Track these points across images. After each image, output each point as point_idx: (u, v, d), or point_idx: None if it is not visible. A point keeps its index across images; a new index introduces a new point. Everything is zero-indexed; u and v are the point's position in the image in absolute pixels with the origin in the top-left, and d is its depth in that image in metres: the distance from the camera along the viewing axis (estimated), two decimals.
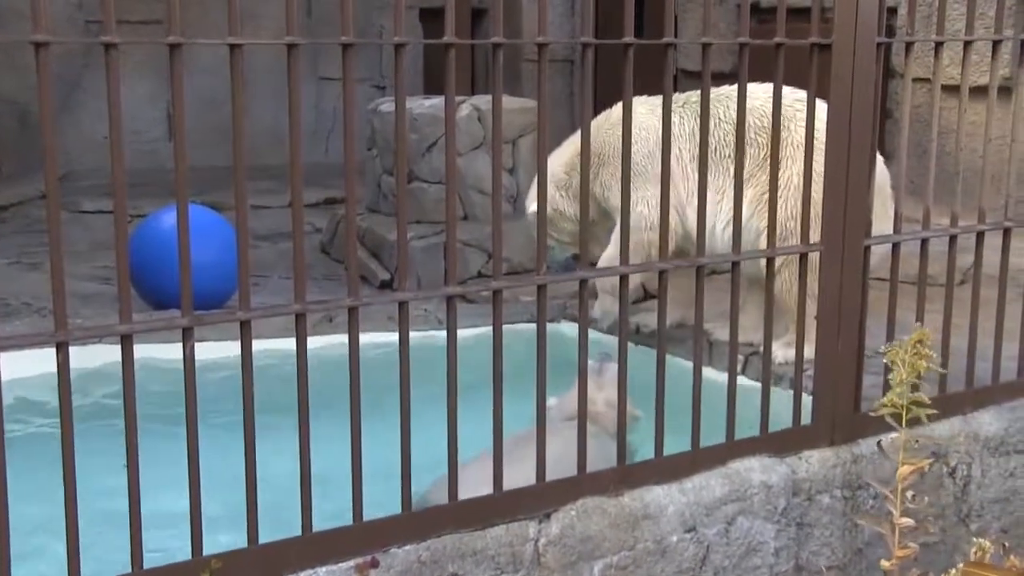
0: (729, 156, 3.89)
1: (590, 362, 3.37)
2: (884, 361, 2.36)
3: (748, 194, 3.90)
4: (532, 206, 4.30)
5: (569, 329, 4.42)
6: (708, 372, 3.87)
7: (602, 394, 3.27)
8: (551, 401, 3.13)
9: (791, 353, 3.62)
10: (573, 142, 4.46)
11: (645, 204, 4.15)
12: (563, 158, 4.39)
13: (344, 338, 2.31)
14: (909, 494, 2.39)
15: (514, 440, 2.75)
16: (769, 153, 2.81)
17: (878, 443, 2.92)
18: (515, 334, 4.27)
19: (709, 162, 4.01)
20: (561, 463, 2.56)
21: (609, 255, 4.17)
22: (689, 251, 3.77)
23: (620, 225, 2.63)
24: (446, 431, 2.44)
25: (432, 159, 6.02)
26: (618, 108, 4.18)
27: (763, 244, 3.39)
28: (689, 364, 2.86)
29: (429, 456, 2.47)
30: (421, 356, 4.03)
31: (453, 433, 2.44)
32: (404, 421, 2.38)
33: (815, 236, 3.07)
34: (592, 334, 3.44)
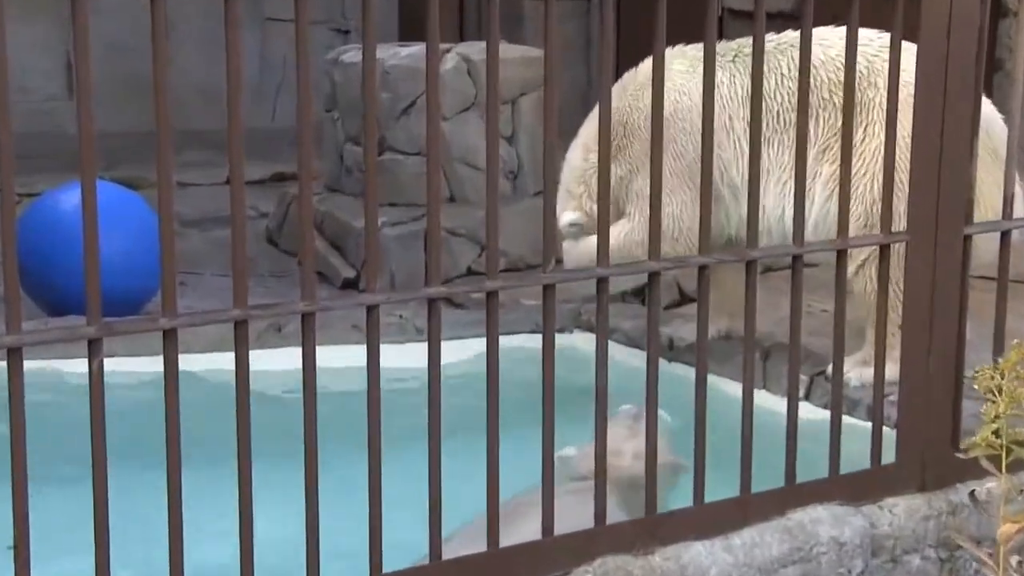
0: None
1: (626, 407, 3.39)
2: (974, 387, 2.33)
3: (824, 172, 3.88)
4: (569, 215, 4.26)
5: (585, 342, 4.44)
6: (762, 397, 3.91)
7: (633, 443, 3.21)
8: (568, 451, 3.14)
9: (869, 373, 3.60)
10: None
11: (681, 204, 4.05)
12: (589, 140, 4.21)
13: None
14: (1014, 560, 2.36)
15: (514, 507, 2.76)
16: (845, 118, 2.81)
17: (971, 493, 2.92)
18: (516, 349, 4.33)
19: (772, 131, 4.00)
20: None
21: (619, 243, 3.96)
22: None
23: (649, 210, 2.64)
24: (427, 486, 2.45)
25: (409, 124, 6.02)
26: (647, 65, 3.99)
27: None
28: (736, 387, 2.88)
29: (405, 521, 2.48)
30: (396, 376, 4.06)
31: (435, 488, 2.45)
32: (373, 474, 2.39)
33: (900, 223, 3.08)
34: (614, 349, 3.46)
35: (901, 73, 2.82)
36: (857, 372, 3.84)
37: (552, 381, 2.56)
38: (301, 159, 2.30)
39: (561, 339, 4.64)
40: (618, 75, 4.27)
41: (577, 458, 3.18)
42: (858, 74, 3.15)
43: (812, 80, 3.72)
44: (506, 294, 5.35)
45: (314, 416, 2.34)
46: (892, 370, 3.07)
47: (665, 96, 2.61)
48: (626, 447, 3.15)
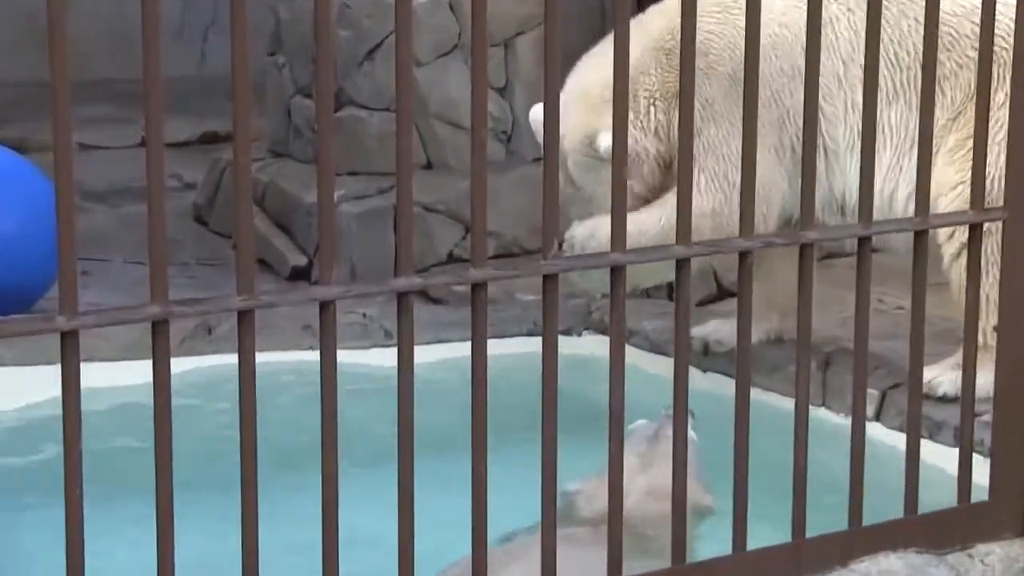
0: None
1: (642, 421, 3.36)
2: None
3: (950, 141, 3.87)
4: (607, 137, 3.95)
5: (597, 347, 4.44)
6: (820, 416, 3.94)
7: (644, 477, 3.19)
8: (572, 485, 3.12)
9: (959, 383, 3.60)
10: (645, 23, 4.08)
11: (763, 166, 3.88)
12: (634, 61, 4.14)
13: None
14: None
15: (504, 554, 2.76)
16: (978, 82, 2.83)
17: None
18: (510, 355, 4.33)
19: (897, 88, 3.94)
20: None
21: (649, 227, 3.87)
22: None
23: (680, 177, 2.62)
24: (396, 526, 2.45)
25: (375, 71, 6.01)
26: None
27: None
28: (788, 403, 2.87)
29: (373, 562, 2.49)
30: (358, 390, 4.05)
31: (406, 529, 2.45)
32: (327, 508, 2.39)
33: (995, 198, 3.08)
34: (634, 355, 3.44)
35: None
36: (951, 377, 3.80)
37: (554, 395, 2.55)
38: (236, 116, 2.29)
39: (567, 343, 4.74)
40: None
41: (580, 495, 3.16)
42: (1004, 29, 3.15)
43: (952, 33, 3.69)
44: (497, 287, 5.44)
45: (253, 439, 2.33)
46: (987, 382, 3.07)
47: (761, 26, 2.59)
48: (634, 482, 3.07)
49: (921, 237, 2.92)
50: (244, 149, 2.31)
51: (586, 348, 4.64)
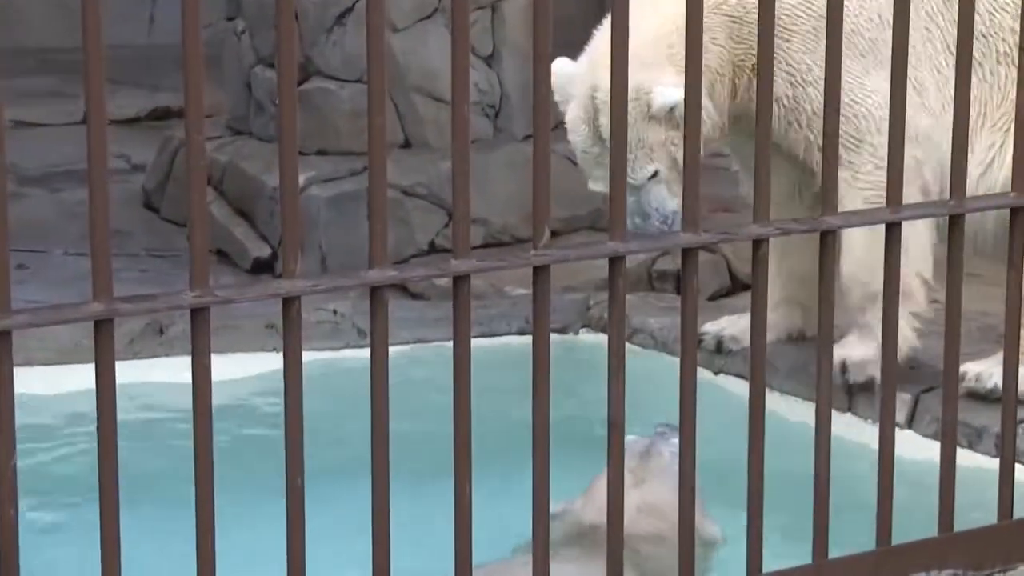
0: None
1: (632, 437, 3.34)
2: None
3: None
4: (675, 93, 3.78)
5: (594, 344, 4.45)
6: (846, 424, 3.93)
7: (636, 493, 3.17)
8: (557, 506, 3.09)
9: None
10: None
11: (879, 102, 3.87)
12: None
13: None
14: None
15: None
16: None
17: None
18: (498, 355, 4.32)
19: (999, 56, 3.94)
20: None
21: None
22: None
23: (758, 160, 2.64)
24: (371, 550, 2.46)
25: (345, 38, 6.02)
26: None
27: None
28: (809, 409, 2.88)
29: None
30: (328, 395, 4.05)
31: (382, 555, 2.46)
32: (293, 523, 2.40)
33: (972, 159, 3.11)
34: (637, 357, 3.44)
35: None
36: (995, 371, 3.81)
37: (546, 399, 2.56)
38: (188, 88, 2.29)
39: (562, 341, 4.75)
40: None
41: (569, 514, 3.17)
42: None
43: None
44: (484, 280, 5.45)
45: (209, 451, 2.33)
46: None
47: None
48: (625, 498, 3.11)
49: (956, 221, 2.94)
50: (197, 125, 2.31)
51: (585, 346, 4.65)
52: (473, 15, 5.75)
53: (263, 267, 5.75)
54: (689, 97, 2.70)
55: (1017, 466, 3.04)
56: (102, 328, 2.26)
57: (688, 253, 2.67)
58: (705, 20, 3.92)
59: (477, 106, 5.89)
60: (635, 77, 3.95)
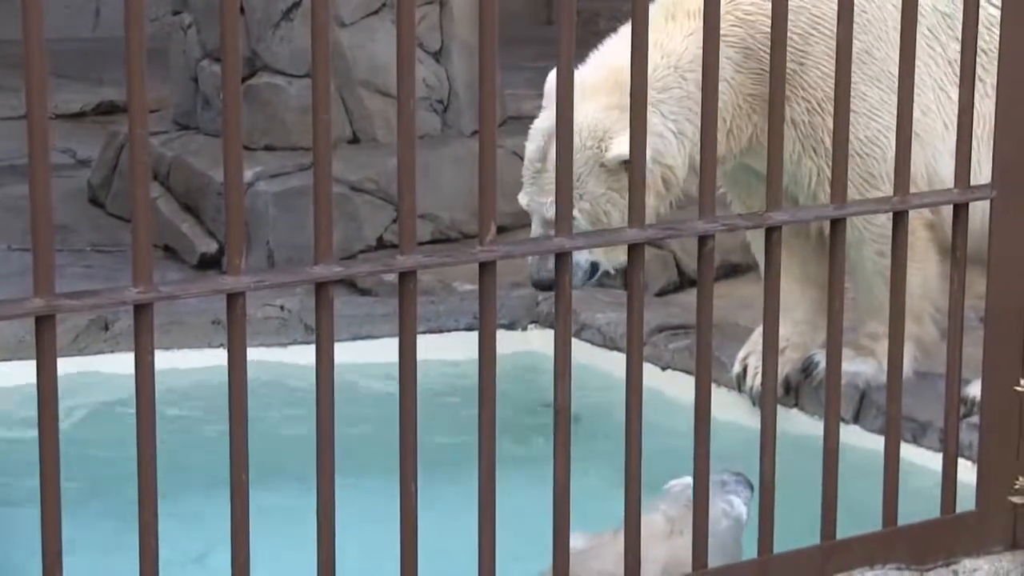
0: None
1: (684, 480, 2.98)
2: None
3: None
4: (622, 146, 3.50)
5: (542, 343, 4.45)
6: (792, 419, 3.93)
7: (667, 546, 2.88)
8: (579, 542, 2.82)
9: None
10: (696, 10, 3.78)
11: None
12: (674, 44, 3.81)
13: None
14: None
15: None
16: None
17: None
18: (447, 353, 4.32)
19: (986, 69, 3.90)
20: None
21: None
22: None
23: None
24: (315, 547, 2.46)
25: (292, 32, 6.00)
26: None
27: None
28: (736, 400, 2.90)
29: None
30: (274, 393, 4.04)
31: (326, 548, 2.45)
32: (238, 529, 2.39)
33: (981, 173, 3.12)
34: (587, 353, 3.44)
35: None
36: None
37: (492, 398, 2.57)
38: (131, 83, 2.28)
39: (510, 339, 4.76)
40: None
41: (583, 557, 2.86)
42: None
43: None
44: (433, 276, 5.45)
45: (152, 451, 2.33)
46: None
47: None
48: (653, 549, 2.85)
49: (900, 217, 2.96)
50: (141, 120, 2.31)
51: (534, 344, 4.65)
52: (422, 10, 5.76)
53: (210, 263, 5.72)
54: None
55: (960, 460, 3.04)
56: (44, 324, 2.24)
57: (634, 249, 2.68)
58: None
59: (425, 101, 5.89)
60: (598, 117, 3.90)
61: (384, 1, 5.91)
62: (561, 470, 2.66)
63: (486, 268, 2.55)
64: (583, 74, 3.72)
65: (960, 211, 2.99)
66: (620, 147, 3.63)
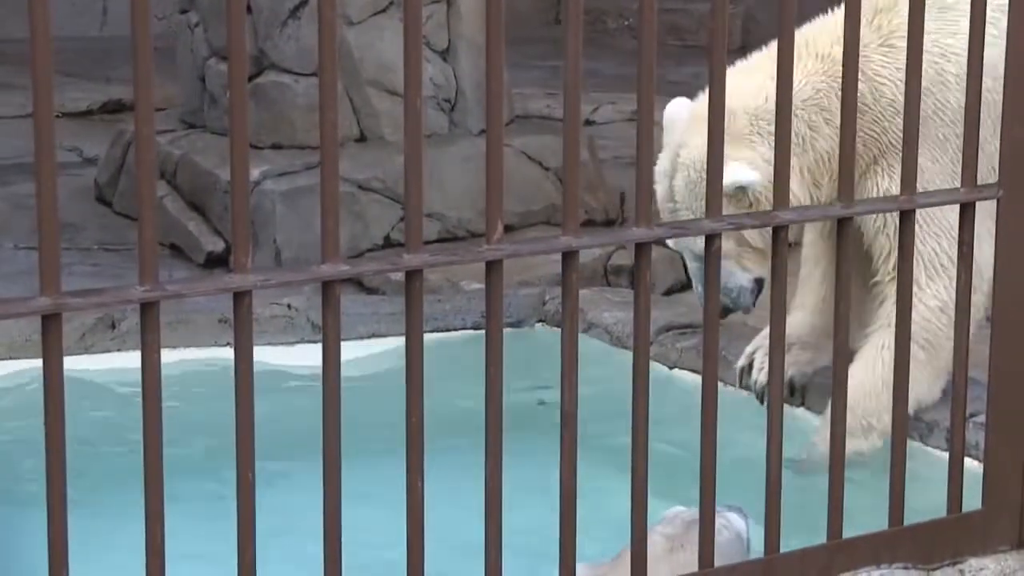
0: None
1: (679, 509, 2.97)
2: None
3: None
4: (741, 171, 3.59)
5: (553, 340, 4.43)
6: (798, 419, 3.90)
7: (666, 565, 2.85)
8: (582, 572, 2.79)
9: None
10: (806, 34, 3.71)
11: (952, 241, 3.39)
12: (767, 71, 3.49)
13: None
14: None
15: None
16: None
17: None
18: (453, 351, 4.32)
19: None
20: None
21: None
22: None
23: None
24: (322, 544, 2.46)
25: (300, 32, 6.01)
26: None
27: None
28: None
29: None
30: (281, 391, 4.05)
31: (333, 548, 2.45)
32: (244, 528, 2.40)
33: (987, 171, 3.11)
34: (597, 350, 3.44)
35: None
36: None
37: (499, 393, 2.56)
38: (138, 81, 2.29)
39: (517, 336, 4.75)
40: None
41: None
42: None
43: None
44: (440, 275, 5.45)
45: (159, 445, 2.33)
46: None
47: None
48: (653, 570, 2.80)
49: (907, 216, 2.97)
50: (147, 118, 2.31)
51: (542, 342, 4.65)
52: (429, 9, 5.77)
53: (217, 261, 5.74)
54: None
55: (966, 460, 3.05)
56: (50, 323, 2.25)
57: (641, 248, 2.68)
58: (823, 101, 3.79)
59: (432, 100, 5.90)
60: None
61: (392, 0, 5.92)
62: (567, 472, 2.66)
63: (493, 267, 2.55)
64: (695, 107, 3.68)
65: (967, 210, 3.00)
66: (732, 175, 3.51)
